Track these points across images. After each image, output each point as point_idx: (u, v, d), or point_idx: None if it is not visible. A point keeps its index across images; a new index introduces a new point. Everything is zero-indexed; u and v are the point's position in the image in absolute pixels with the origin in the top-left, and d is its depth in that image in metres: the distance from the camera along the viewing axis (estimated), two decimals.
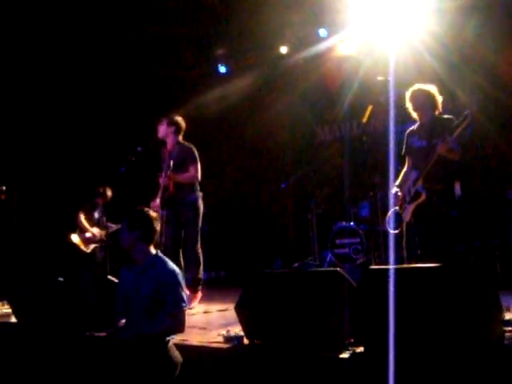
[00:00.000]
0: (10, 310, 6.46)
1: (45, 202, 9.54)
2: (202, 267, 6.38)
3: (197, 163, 6.39)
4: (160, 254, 3.97)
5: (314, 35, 9.08)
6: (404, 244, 5.12)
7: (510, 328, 3.26)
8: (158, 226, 3.98)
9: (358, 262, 8.01)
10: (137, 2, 8.48)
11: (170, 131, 6.49)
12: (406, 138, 5.31)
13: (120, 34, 9.05)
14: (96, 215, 8.71)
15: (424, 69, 7.41)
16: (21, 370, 5.19)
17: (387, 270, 3.54)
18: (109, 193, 8.68)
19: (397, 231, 5.14)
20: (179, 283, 3.79)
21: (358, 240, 8.10)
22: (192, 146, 6.48)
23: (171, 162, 6.30)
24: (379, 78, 5.99)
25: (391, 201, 5.25)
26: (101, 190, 8.65)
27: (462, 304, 3.23)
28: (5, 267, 9.32)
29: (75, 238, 8.54)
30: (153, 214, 3.99)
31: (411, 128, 5.29)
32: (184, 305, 3.76)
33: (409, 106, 5.23)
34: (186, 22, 8.83)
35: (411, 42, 7.64)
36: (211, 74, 10.40)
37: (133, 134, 9.65)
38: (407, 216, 5.09)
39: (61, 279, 5.77)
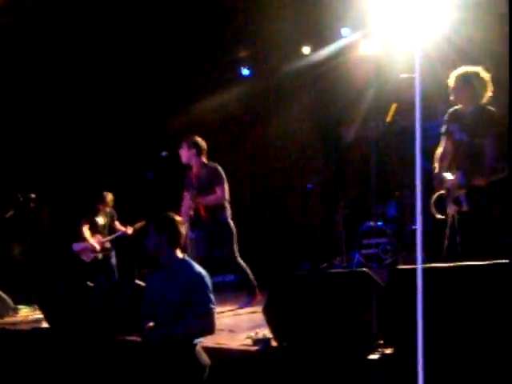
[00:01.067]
0: (41, 316, 6.56)
1: (73, 208, 9.58)
2: (250, 274, 6.42)
3: (223, 184, 6.33)
4: (187, 257, 3.99)
5: (336, 34, 9.04)
6: (447, 237, 4.87)
7: None
8: (183, 230, 4.00)
9: (387, 262, 7.95)
10: (158, 4, 8.50)
11: (193, 154, 6.43)
12: (447, 118, 4.95)
13: (143, 37, 9.11)
14: (100, 221, 8.44)
15: (449, 65, 7.32)
16: (53, 374, 5.26)
17: (415, 269, 3.50)
18: (108, 197, 8.45)
19: (442, 217, 4.96)
20: (207, 285, 3.79)
21: (386, 240, 8.04)
22: (217, 167, 6.42)
23: (195, 188, 6.30)
24: (403, 76, 5.92)
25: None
26: (100, 195, 8.46)
27: (496, 304, 3.18)
28: (35, 273, 9.46)
29: (75, 247, 8.32)
30: (179, 218, 4.02)
31: (453, 110, 4.93)
32: (212, 306, 3.76)
33: (450, 91, 4.90)
34: (208, 24, 8.86)
35: (436, 39, 7.54)
36: (234, 76, 10.42)
37: (155, 138, 9.70)
38: (451, 210, 4.86)
39: (90, 284, 5.84)
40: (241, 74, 10.31)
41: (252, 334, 4.39)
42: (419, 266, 3.20)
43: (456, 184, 4.84)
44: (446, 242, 4.85)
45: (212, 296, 3.78)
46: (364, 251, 8.23)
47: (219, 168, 6.43)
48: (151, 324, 3.85)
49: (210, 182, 6.36)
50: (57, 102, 10.21)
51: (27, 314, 7.60)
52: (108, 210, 8.52)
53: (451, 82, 4.91)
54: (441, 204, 4.95)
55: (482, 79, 4.81)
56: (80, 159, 10.54)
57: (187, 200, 6.32)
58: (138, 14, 8.70)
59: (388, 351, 3.57)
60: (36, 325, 6.44)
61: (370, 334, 3.66)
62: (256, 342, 4.25)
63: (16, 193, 8.41)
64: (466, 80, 4.83)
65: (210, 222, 6.33)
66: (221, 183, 6.34)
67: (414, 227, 7.90)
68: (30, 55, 9.24)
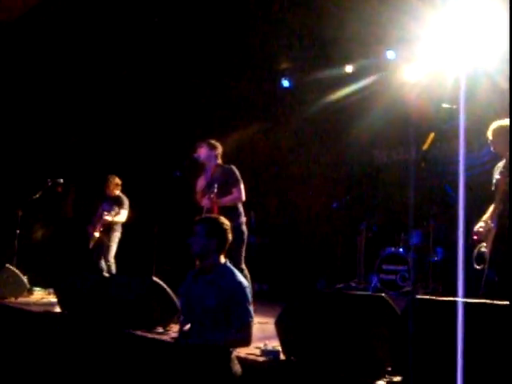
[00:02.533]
0: (55, 300, 6.62)
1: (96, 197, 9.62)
2: (249, 282, 6.36)
3: (239, 184, 6.28)
4: (229, 263, 3.89)
5: (381, 56, 8.99)
6: (483, 282, 4.91)
7: None
8: (230, 237, 3.91)
9: (404, 289, 7.86)
10: (198, 17, 8.56)
11: (213, 154, 6.42)
12: (493, 173, 5.05)
13: (182, 47, 9.19)
14: (105, 207, 7.97)
15: (496, 97, 7.19)
16: (59, 359, 5.29)
17: (433, 300, 3.45)
18: (113, 181, 7.96)
19: (479, 267, 4.95)
20: (247, 297, 3.71)
21: (406, 268, 7.96)
22: (233, 167, 6.38)
23: (215, 186, 6.17)
24: (444, 106, 5.87)
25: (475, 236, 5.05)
26: (105, 179, 8.03)
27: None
28: (55, 257, 9.55)
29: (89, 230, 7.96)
30: (227, 223, 3.94)
31: (498, 164, 5.04)
32: (251, 319, 3.67)
33: (490, 142, 5.01)
34: (249, 34, 8.89)
35: (483, 68, 7.41)
36: (274, 87, 10.43)
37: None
38: (487, 248, 4.84)
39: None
40: (281, 85, 10.33)
41: (261, 344, 4.36)
42: (460, 300, 3.11)
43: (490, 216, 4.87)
44: (484, 277, 4.83)
45: (251, 308, 3.69)
46: (382, 276, 8.16)
47: (235, 169, 6.37)
48: (187, 327, 3.77)
49: (226, 183, 6.29)
50: (95, 95, 10.37)
51: (41, 296, 7.68)
52: (114, 194, 8.03)
53: (489, 135, 4.99)
54: (479, 254, 4.94)
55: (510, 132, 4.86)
56: (115, 152, 10.66)
57: (205, 200, 6.29)
58: (180, 29, 8.78)
59: (395, 379, 3.52)
60: (49, 308, 6.50)
61: (379, 360, 3.62)
62: (264, 352, 4.22)
63: (46, 177, 8.49)
64: (502, 133, 4.89)
65: None
66: (237, 184, 6.28)
67: (434, 259, 7.83)
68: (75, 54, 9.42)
